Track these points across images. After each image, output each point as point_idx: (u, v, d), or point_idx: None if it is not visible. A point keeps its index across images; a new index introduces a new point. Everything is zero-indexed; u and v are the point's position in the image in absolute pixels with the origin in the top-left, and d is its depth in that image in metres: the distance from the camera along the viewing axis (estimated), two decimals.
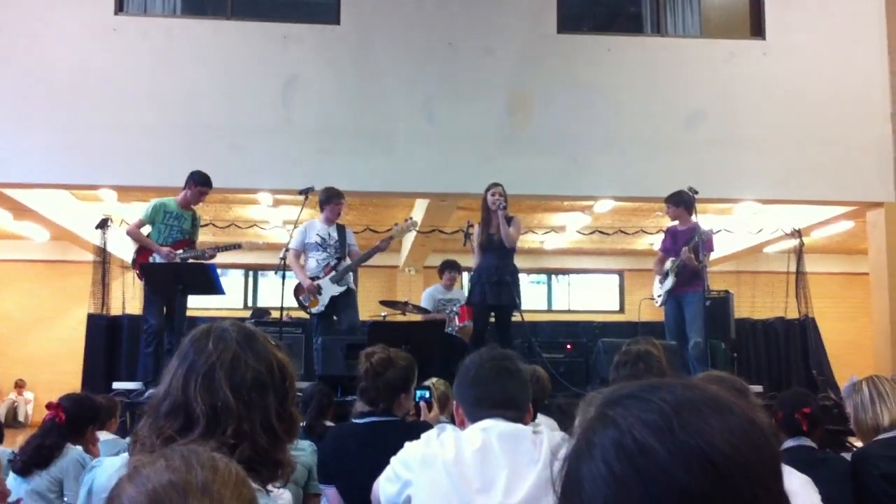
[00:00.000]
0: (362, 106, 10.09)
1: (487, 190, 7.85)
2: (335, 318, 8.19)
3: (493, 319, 7.94)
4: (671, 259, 8.38)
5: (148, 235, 8.01)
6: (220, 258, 8.36)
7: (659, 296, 8.57)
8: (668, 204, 8.56)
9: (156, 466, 1.11)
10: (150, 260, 7.90)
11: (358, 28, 10.18)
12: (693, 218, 8.39)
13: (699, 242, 8.08)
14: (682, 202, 8.43)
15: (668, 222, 13.30)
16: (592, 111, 10.20)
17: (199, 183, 8.11)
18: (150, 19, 10.15)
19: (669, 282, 8.35)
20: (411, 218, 9.42)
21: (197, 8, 10.84)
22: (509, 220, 7.73)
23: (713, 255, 9.16)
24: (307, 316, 8.57)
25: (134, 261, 8.14)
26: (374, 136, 10.03)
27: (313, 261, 8.16)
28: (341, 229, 8.25)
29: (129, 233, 8.28)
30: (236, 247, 8.76)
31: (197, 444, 1.58)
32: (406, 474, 2.52)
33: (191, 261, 7.97)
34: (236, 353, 1.73)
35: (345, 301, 8.15)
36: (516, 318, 8.16)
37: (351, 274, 8.24)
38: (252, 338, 1.78)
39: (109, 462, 2.78)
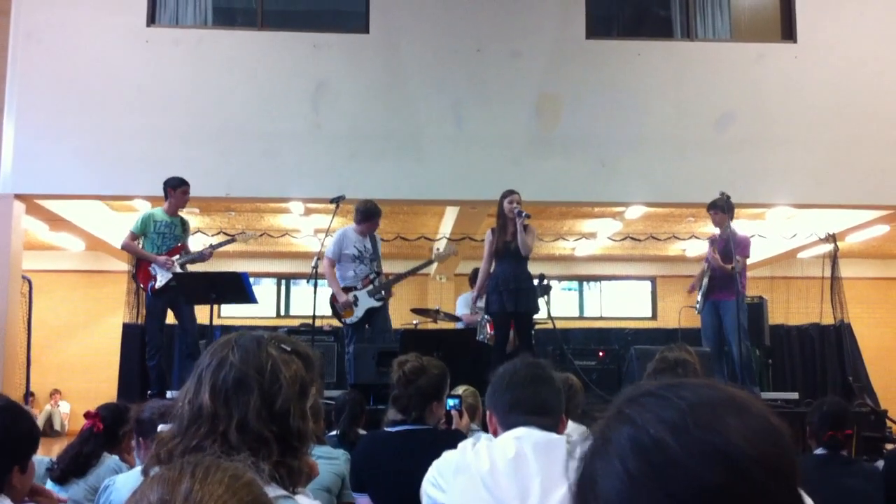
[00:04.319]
0: (391, 112, 10.13)
1: (504, 197, 7.82)
2: (367, 326, 8.23)
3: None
4: (706, 260, 8.44)
5: (142, 247, 8.10)
6: (253, 267, 8.42)
7: (698, 302, 8.53)
8: (714, 210, 8.41)
9: (152, 482, 1.18)
10: (151, 272, 8.00)
11: (386, 35, 10.22)
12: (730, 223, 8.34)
13: (731, 246, 8.03)
14: (728, 208, 8.33)
15: (700, 228, 13.18)
16: (621, 115, 10.16)
17: (177, 185, 8.19)
18: (181, 30, 10.25)
19: (705, 285, 8.33)
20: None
21: (228, 18, 10.94)
22: (525, 229, 7.71)
23: (749, 261, 9.07)
24: (340, 324, 8.61)
25: (134, 275, 8.25)
26: (403, 142, 10.07)
27: (351, 271, 8.19)
28: (373, 239, 8.30)
29: (124, 247, 8.37)
30: (232, 240, 8.83)
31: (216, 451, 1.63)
32: (442, 483, 2.52)
33: (188, 266, 8.11)
34: (225, 356, 1.75)
35: (378, 311, 8.20)
36: (547, 324, 8.11)
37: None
38: (257, 342, 1.78)
39: (122, 480, 2.81)
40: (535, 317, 8.66)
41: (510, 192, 7.81)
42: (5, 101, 9.80)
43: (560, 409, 2.67)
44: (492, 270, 7.88)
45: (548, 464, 2.39)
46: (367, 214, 8.18)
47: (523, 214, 7.59)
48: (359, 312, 8.11)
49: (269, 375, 1.73)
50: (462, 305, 9.65)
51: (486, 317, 9.05)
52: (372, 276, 8.13)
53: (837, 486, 3.55)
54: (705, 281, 8.34)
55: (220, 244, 8.64)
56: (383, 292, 8.19)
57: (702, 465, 0.83)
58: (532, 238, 7.76)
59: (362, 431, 4.94)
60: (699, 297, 8.50)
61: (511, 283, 7.59)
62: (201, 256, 8.25)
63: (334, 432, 4.91)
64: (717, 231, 8.60)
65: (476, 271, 9.68)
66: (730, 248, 8.06)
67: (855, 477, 3.76)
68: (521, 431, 2.49)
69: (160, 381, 8.05)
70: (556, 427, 2.57)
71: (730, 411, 0.88)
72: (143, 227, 8.08)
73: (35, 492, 2.57)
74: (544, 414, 2.57)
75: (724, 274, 8.12)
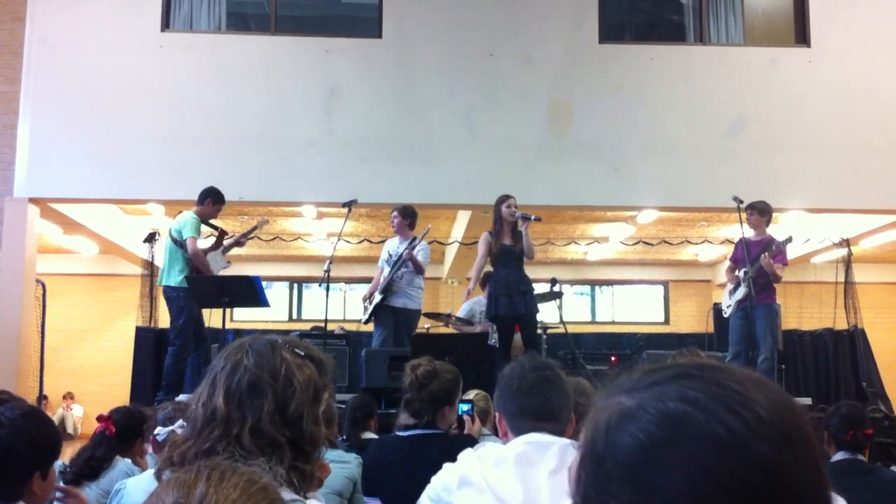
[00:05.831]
0: (403, 117, 10.15)
1: (501, 202, 7.82)
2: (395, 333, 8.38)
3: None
4: (744, 270, 8.15)
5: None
6: (265, 271, 8.47)
7: (728, 306, 8.41)
8: (751, 211, 8.34)
9: (168, 485, 1.17)
10: None
11: (399, 41, 10.24)
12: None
13: (776, 252, 7.99)
14: (767, 211, 8.30)
15: (713, 233, 13.12)
16: (633, 120, 10.15)
17: (222, 201, 8.28)
18: (195, 35, 10.29)
19: (741, 292, 8.19)
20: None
21: (241, 24, 10.98)
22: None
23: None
24: (355, 328, 8.72)
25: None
26: (415, 147, 10.08)
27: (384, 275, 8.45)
28: (411, 244, 8.39)
29: (194, 254, 7.91)
30: (255, 228, 8.88)
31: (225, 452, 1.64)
32: (445, 496, 2.50)
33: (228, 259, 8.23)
34: (239, 359, 1.76)
35: (408, 321, 8.37)
36: (559, 329, 8.09)
37: (402, 291, 8.31)
38: (271, 346, 1.79)
39: (134, 483, 2.82)
40: (548, 321, 8.67)
41: (506, 197, 7.84)
42: (20, 105, 9.86)
43: (569, 412, 2.65)
44: (492, 274, 7.92)
45: (555, 469, 2.38)
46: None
47: (531, 218, 7.59)
48: (370, 309, 8.38)
49: (283, 380, 1.74)
50: (464, 309, 9.58)
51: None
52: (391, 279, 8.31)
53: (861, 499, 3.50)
54: (742, 287, 8.19)
55: (248, 232, 8.69)
56: (397, 293, 8.38)
57: (759, 438, 0.81)
58: (532, 241, 7.83)
59: (372, 435, 4.94)
60: (731, 303, 8.37)
61: (521, 285, 7.63)
62: (238, 243, 8.51)
63: (342, 436, 4.92)
64: (743, 233, 8.42)
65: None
66: (773, 249, 8.01)
67: (868, 490, 3.72)
68: (529, 438, 2.48)
69: (180, 385, 8.02)
70: (563, 431, 2.55)
71: (753, 385, 0.86)
72: (199, 228, 8.11)
73: (63, 490, 2.58)
74: (553, 419, 2.56)
75: (761, 281, 8.03)
